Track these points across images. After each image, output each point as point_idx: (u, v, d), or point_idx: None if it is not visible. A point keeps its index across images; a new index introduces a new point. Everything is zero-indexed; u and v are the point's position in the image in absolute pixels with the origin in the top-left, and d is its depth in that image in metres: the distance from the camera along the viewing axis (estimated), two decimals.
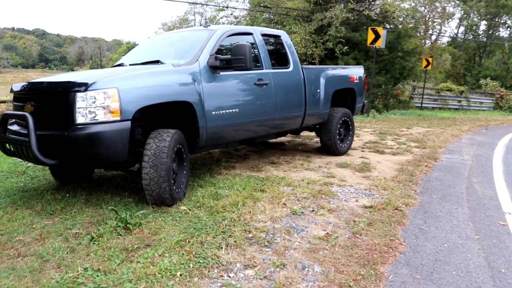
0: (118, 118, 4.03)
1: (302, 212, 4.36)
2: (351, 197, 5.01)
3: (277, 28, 20.28)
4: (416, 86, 25.49)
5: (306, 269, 3.17)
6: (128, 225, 3.85)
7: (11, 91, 4.85)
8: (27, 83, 4.64)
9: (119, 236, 3.68)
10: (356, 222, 4.14)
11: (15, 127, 4.66)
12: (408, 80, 22.19)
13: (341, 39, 17.65)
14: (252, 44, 5.88)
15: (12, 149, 4.51)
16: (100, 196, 4.85)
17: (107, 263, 3.19)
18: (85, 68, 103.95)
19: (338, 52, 17.69)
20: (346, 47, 17.70)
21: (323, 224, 4.07)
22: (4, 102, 12.38)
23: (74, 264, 3.17)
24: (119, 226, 3.83)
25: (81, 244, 3.53)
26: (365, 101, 8.39)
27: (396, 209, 4.63)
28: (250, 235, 3.71)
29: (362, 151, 8.07)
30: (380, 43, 15.77)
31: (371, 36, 15.77)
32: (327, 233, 3.84)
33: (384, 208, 4.60)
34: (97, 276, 3.00)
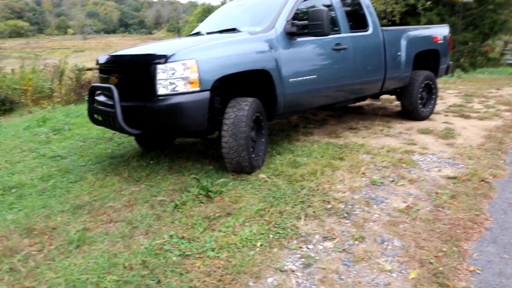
0: (198, 89, 4.13)
1: (382, 182, 4.28)
2: (433, 166, 4.82)
3: None
4: (508, 41, 23.57)
5: (386, 243, 3.14)
6: (209, 193, 3.99)
7: (97, 63, 5.13)
8: (110, 56, 4.86)
9: (201, 204, 3.84)
10: (439, 194, 4.00)
11: (101, 98, 4.92)
12: (499, 35, 20.55)
13: None
14: (329, 6, 5.73)
15: (100, 119, 4.79)
16: (182, 163, 5.05)
17: (191, 231, 3.35)
18: (162, 31, 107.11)
19: (420, 8, 16.70)
20: (429, 2, 16.66)
21: (403, 196, 3.98)
22: (90, 69, 13.02)
23: (160, 231, 3.37)
24: (201, 194, 3.99)
25: (166, 211, 3.73)
26: (450, 62, 7.93)
27: (483, 180, 4.38)
28: (329, 206, 3.72)
29: (446, 115, 7.68)
30: None
31: None
32: (408, 205, 3.76)
33: (469, 180, 4.38)
34: (182, 243, 3.16)
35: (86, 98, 4.85)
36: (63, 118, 8.42)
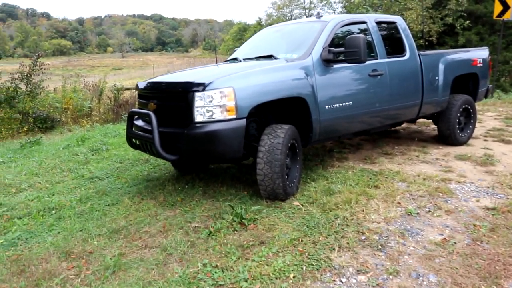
0: (234, 116, 4.18)
1: (418, 213, 4.20)
2: (471, 196, 4.69)
3: (390, 2, 19.43)
4: None
5: (421, 278, 3.07)
6: (243, 220, 4.01)
7: (136, 88, 5.27)
8: (149, 82, 4.98)
9: (235, 232, 3.85)
10: (477, 227, 3.88)
11: (140, 122, 5.05)
12: None
13: (462, 13, 16.39)
14: (365, 31, 5.76)
15: (138, 143, 4.89)
16: (216, 188, 5.10)
17: (224, 259, 3.37)
18: (198, 49, 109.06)
19: (458, 27, 16.49)
20: (467, 22, 16.42)
21: (439, 228, 3.89)
22: (128, 89, 13.33)
23: (194, 259, 3.40)
24: (235, 221, 4.01)
25: (200, 238, 3.76)
26: (490, 85, 7.76)
27: None
28: (363, 237, 3.67)
29: (485, 140, 7.47)
30: (509, 15, 14.30)
31: (498, 7, 14.31)
32: (444, 238, 3.66)
33: (510, 211, 4.21)
34: (215, 272, 3.18)
35: (124, 118, 5.01)
36: (101, 138, 8.65)
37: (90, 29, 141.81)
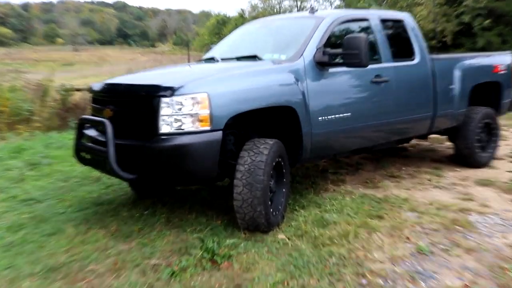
0: (208, 128, 4.12)
1: (431, 251, 4.12)
2: (496, 230, 4.61)
3: None
4: None
5: None
6: (215, 257, 3.90)
7: (90, 90, 5.17)
8: (106, 84, 4.88)
9: (205, 272, 3.73)
10: (504, 270, 3.78)
11: (92, 132, 4.90)
12: None
13: (481, 11, 16.61)
14: (367, 30, 5.80)
15: (88, 158, 4.74)
16: (183, 215, 4.99)
17: None
18: (167, 44, 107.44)
19: (477, 27, 16.68)
20: (487, 21, 16.64)
21: (458, 270, 3.80)
22: (79, 90, 13.09)
23: None
24: (205, 258, 3.89)
25: (160, 280, 3.61)
26: None
27: None
28: (364, 281, 3.57)
29: (511, 161, 7.50)
30: None
31: None
32: (465, 284, 3.56)
33: None
34: None
35: (72, 125, 4.87)
36: (42, 149, 8.46)
37: (37, 16, 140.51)
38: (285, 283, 3.49)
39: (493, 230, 4.62)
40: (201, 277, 3.63)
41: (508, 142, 9.00)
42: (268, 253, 4.03)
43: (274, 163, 4.50)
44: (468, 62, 6.94)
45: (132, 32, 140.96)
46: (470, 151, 6.85)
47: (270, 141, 4.53)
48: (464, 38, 17.36)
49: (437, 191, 5.85)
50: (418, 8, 16.92)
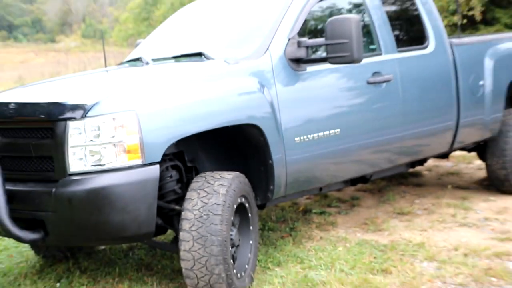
0: (139, 161, 3.01)
1: None
2: None
3: None
4: None
5: None
6: None
7: None
8: None
9: None
10: None
11: None
12: None
13: None
14: (360, 8, 4.52)
15: None
16: (111, 286, 3.70)
17: None
18: (73, 37, 72.27)
19: None
20: None
21: None
22: None
23: None
24: None
25: None
26: None
27: None
28: None
29: None
30: None
31: None
32: None
33: None
34: None
35: None
36: None
37: None
38: None
39: None
40: None
41: None
42: None
43: (235, 206, 3.33)
44: (505, 46, 5.50)
45: (20, 22, 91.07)
46: (509, 173, 5.36)
47: (229, 175, 3.34)
48: (500, 11, 14.77)
49: (464, 231, 4.56)
50: None
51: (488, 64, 5.18)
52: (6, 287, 3.72)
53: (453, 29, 11.09)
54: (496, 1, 13.79)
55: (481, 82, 5.11)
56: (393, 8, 5.08)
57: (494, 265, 3.68)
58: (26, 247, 4.57)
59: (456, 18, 12.61)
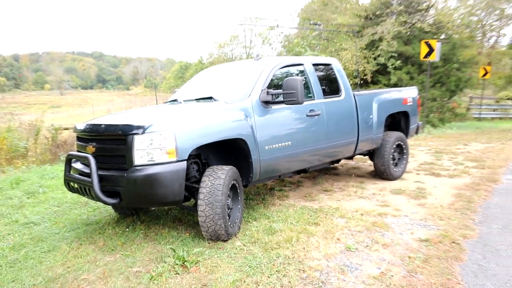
0: (175, 159, 4.16)
1: (356, 248, 4.31)
2: (406, 229, 4.87)
3: (327, 42, 20.23)
4: (473, 97, 24.52)
5: None
6: (185, 263, 3.96)
7: (74, 130, 5.10)
8: (88, 124, 4.84)
9: (177, 275, 3.78)
10: (411, 259, 4.02)
11: (78, 165, 4.90)
12: (464, 91, 21.33)
13: (393, 54, 17.36)
14: (302, 73, 5.93)
15: (76, 187, 4.72)
16: (158, 230, 5.00)
17: None
18: (139, 87, 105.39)
19: (390, 67, 17.40)
20: (398, 62, 17.39)
21: (377, 261, 4.00)
22: (67, 129, 12.92)
23: None
24: (177, 264, 3.94)
25: (141, 284, 3.65)
26: (420, 122, 8.19)
27: (453, 242, 4.40)
28: (305, 275, 3.70)
29: (417, 174, 7.88)
30: (434, 57, 15.30)
31: (424, 50, 15.34)
32: (382, 271, 3.76)
33: (441, 242, 4.42)
34: None
35: (63, 158, 4.80)
36: (38, 180, 8.31)
37: (26, 66, 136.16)
38: (242, 281, 3.59)
39: (403, 229, 4.86)
40: (175, 279, 3.70)
41: (415, 158, 9.44)
42: (228, 257, 4.12)
43: (230, 185, 4.56)
44: (383, 96, 7.21)
45: (109, 78, 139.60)
46: (386, 167, 7.14)
47: (226, 168, 4.61)
48: (381, 76, 17.99)
49: (361, 201, 6.05)
50: (344, 52, 17.44)
51: (374, 106, 6.84)
52: (97, 230, 5.01)
53: (355, 86, 13.84)
54: (379, 71, 17.04)
55: (371, 116, 6.73)
56: (322, 73, 6.39)
57: (378, 220, 5.07)
58: (109, 208, 5.93)
59: (357, 80, 15.46)
